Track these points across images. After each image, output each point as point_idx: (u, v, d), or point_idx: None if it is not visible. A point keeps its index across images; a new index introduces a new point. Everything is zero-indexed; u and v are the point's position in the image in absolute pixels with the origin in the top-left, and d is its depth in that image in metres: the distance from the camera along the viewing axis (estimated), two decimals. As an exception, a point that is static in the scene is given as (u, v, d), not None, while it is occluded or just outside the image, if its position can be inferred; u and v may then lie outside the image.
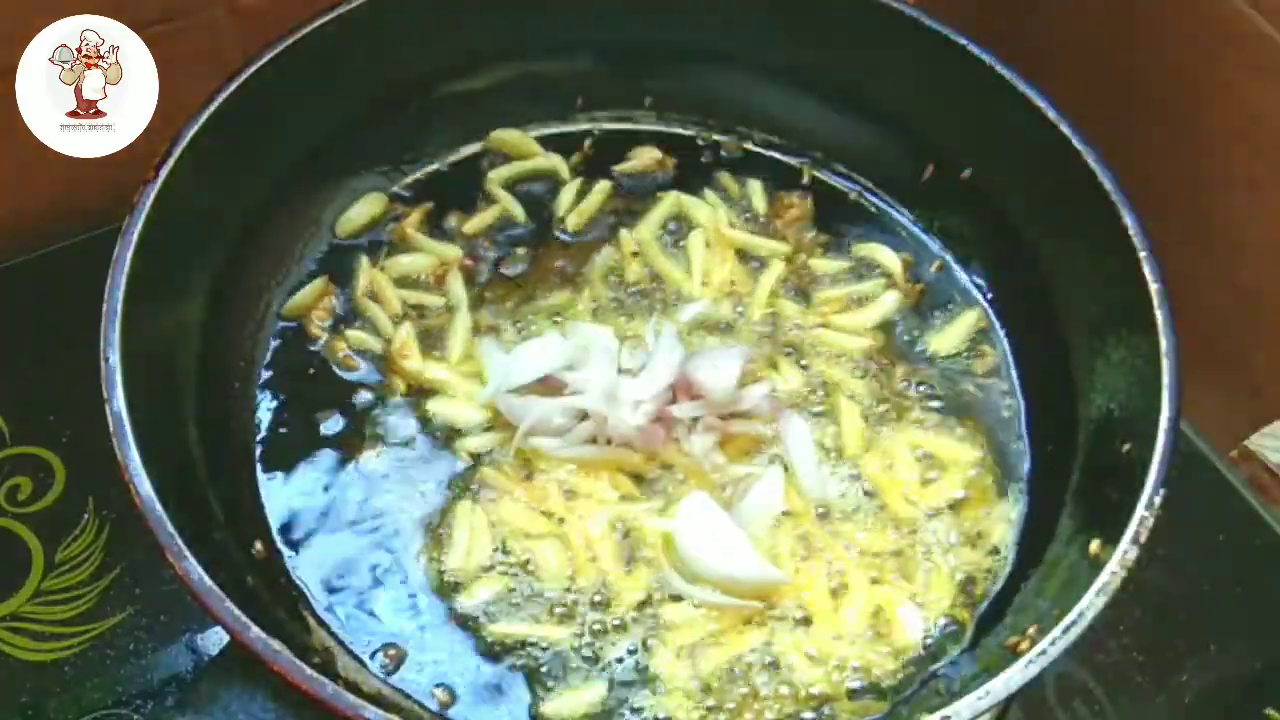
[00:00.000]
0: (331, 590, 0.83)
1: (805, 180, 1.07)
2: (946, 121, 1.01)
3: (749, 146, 1.09)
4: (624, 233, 1.01)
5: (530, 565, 0.83)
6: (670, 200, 1.05)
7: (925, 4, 0.98)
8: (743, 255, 1.02)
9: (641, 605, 0.82)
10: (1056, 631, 0.70)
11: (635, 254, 1.01)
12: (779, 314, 0.98)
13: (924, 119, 1.02)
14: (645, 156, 1.07)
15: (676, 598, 0.82)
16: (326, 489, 0.87)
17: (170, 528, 0.68)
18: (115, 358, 0.74)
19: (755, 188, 1.06)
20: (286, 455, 0.88)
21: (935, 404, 0.94)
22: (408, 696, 0.79)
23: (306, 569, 0.83)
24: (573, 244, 1.02)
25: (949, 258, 1.03)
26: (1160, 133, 1.07)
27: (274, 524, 0.85)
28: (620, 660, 0.80)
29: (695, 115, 1.10)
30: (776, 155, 1.09)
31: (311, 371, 0.93)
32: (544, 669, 0.79)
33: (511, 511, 0.85)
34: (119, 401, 0.72)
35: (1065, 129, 0.90)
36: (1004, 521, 0.89)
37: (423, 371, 0.92)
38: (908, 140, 1.04)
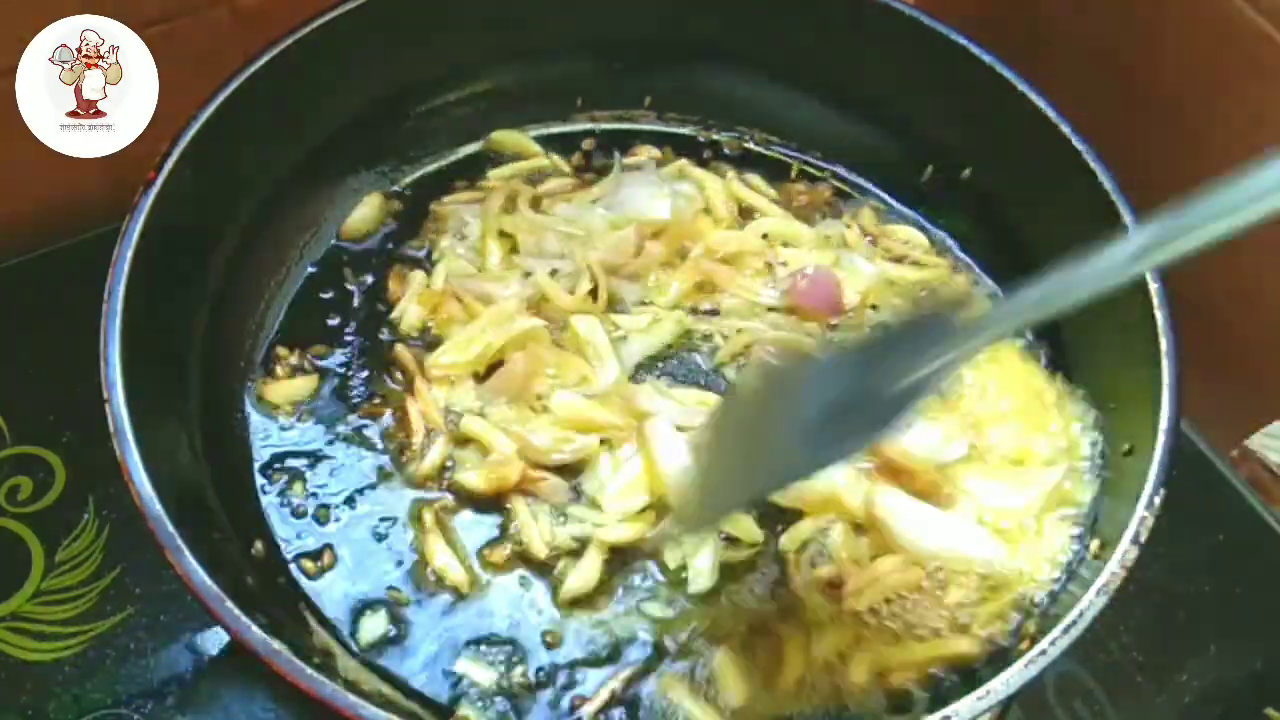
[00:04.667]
0: (331, 589, 0.83)
1: (793, 175, 1.08)
2: (946, 121, 1.01)
3: (749, 145, 1.10)
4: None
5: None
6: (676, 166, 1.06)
7: (925, 4, 0.98)
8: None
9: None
10: (1056, 631, 0.70)
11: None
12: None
13: (924, 119, 1.02)
14: (645, 155, 1.07)
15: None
16: (327, 489, 0.87)
17: (170, 528, 0.68)
18: (115, 358, 0.74)
19: (757, 180, 1.06)
20: (286, 455, 0.88)
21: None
22: (408, 696, 0.79)
23: (306, 569, 0.83)
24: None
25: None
26: (1160, 133, 1.07)
27: (274, 524, 0.85)
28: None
29: (695, 115, 1.10)
30: (776, 154, 1.09)
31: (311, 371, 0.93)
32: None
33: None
34: (119, 402, 0.72)
35: (1065, 129, 0.90)
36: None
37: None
38: (908, 140, 1.04)
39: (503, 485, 0.86)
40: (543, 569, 0.84)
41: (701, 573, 0.83)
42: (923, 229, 1.04)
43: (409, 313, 0.95)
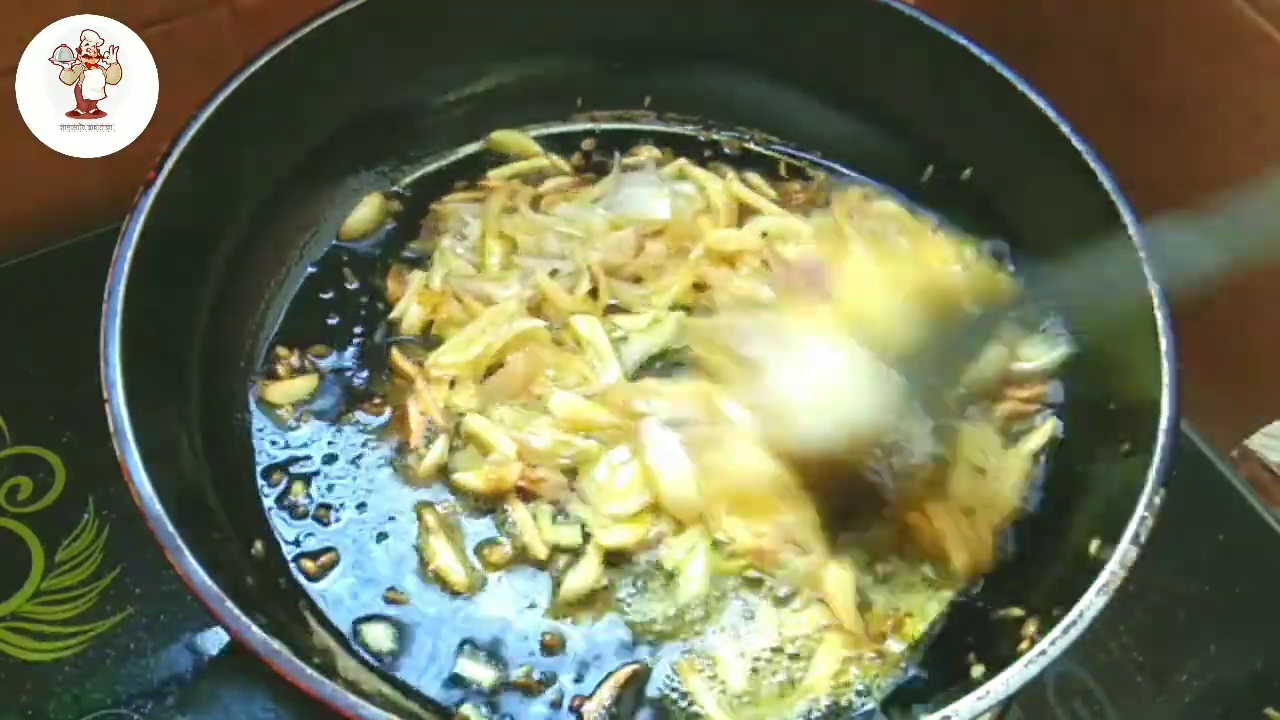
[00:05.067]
0: (331, 589, 0.83)
1: (784, 173, 1.08)
2: (946, 121, 1.01)
3: (748, 145, 1.10)
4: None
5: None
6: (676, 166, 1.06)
7: (926, 4, 0.98)
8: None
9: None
10: (1056, 631, 0.70)
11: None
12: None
13: (924, 119, 1.02)
14: (645, 155, 1.07)
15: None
16: (327, 489, 0.87)
17: (170, 528, 0.68)
18: (115, 358, 0.74)
19: (757, 179, 1.06)
20: (287, 455, 0.89)
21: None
22: (408, 696, 0.79)
23: (306, 569, 0.83)
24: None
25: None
26: (1160, 133, 1.07)
27: (274, 524, 0.85)
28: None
29: (695, 114, 1.10)
30: (775, 154, 1.09)
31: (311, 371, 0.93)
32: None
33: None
34: (119, 401, 0.72)
35: (1065, 129, 0.90)
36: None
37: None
38: (908, 140, 1.04)
39: (501, 486, 0.86)
40: (542, 568, 0.84)
41: (694, 579, 0.83)
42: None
43: (409, 313, 0.95)
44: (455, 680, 0.80)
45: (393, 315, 0.95)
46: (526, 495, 0.86)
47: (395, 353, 0.93)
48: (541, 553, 0.84)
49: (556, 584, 0.83)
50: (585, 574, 0.83)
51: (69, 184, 0.96)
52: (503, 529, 0.86)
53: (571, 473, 0.87)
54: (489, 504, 0.87)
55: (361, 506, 0.87)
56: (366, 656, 0.80)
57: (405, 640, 0.81)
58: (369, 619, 0.82)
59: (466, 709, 0.78)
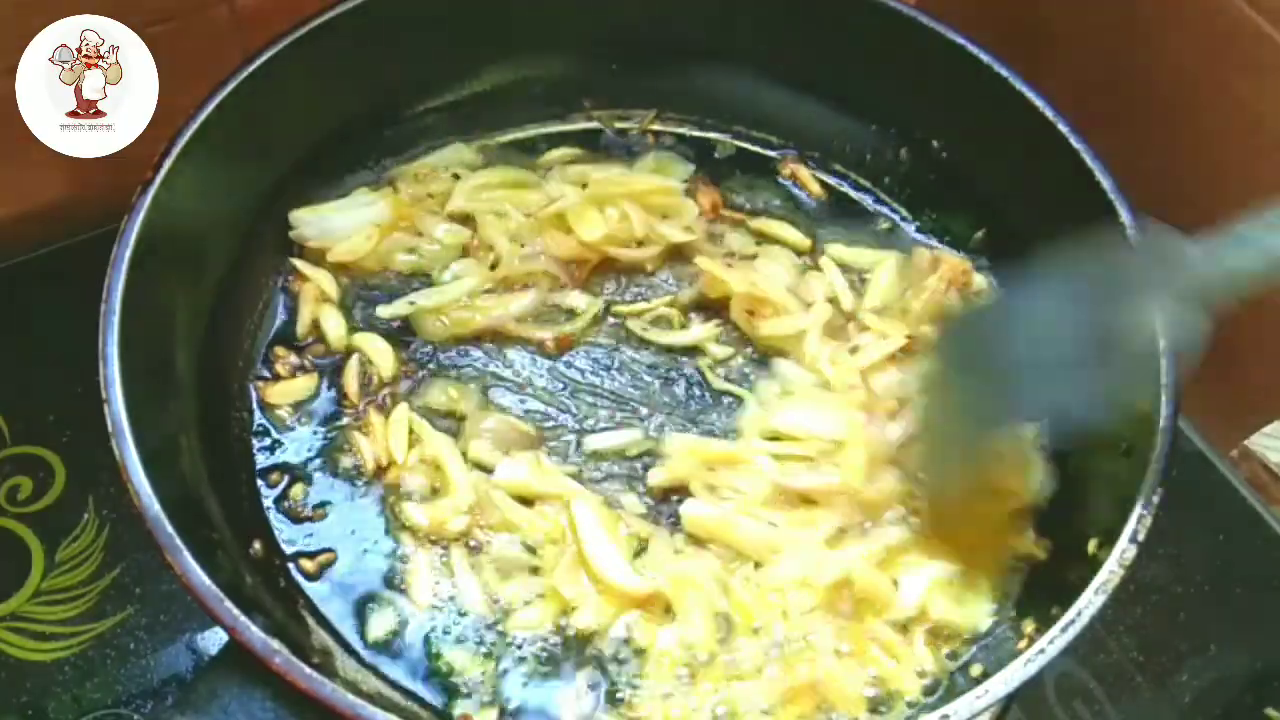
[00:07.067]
0: (330, 589, 0.83)
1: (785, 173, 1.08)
2: (947, 122, 1.01)
3: (747, 146, 1.09)
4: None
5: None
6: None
7: (925, 4, 0.98)
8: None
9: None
10: (1055, 631, 0.70)
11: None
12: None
13: (924, 120, 1.02)
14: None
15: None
16: (326, 489, 0.87)
17: (169, 528, 0.68)
18: (114, 358, 0.74)
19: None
20: (286, 455, 0.89)
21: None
22: (406, 695, 0.79)
23: (305, 569, 0.83)
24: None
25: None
26: (1160, 133, 1.07)
27: (273, 524, 0.85)
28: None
29: (694, 115, 1.10)
30: (774, 154, 1.09)
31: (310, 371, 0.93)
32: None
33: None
34: (118, 401, 0.72)
35: (1064, 129, 0.90)
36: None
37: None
38: (907, 141, 1.04)
39: (442, 531, 0.84)
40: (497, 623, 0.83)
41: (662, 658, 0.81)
42: (919, 229, 1.04)
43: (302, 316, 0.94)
44: (454, 678, 0.80)
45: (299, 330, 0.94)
46: (471, 548, 0.85)
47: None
48: (484, 608, 0.82)
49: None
50: (538, 615, 0.82)
51: (69, 184, 0.97)
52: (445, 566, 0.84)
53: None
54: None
55: (360, 506, 0.86)
56: (365, 655, 0.80)
57: (404, 639, 0.81)
58: (367, 618, 0.82)
59: (465, 706, 0.78)
